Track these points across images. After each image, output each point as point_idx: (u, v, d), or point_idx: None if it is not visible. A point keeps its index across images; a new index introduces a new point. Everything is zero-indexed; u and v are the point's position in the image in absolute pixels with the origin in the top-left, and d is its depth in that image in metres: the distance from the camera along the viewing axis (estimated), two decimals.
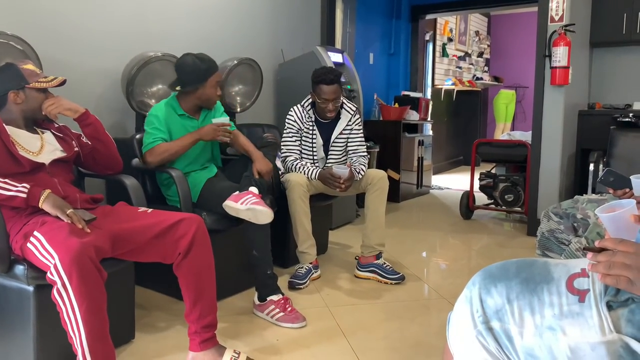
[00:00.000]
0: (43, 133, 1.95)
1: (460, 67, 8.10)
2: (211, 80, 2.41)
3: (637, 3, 4.08)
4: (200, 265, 1.87)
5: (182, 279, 1.87)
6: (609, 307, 0.86)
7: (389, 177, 4.89)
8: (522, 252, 3.42)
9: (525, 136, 4.26)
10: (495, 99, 8.28)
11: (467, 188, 4.47)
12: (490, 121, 8.96)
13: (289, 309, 2.25)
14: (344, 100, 2.98)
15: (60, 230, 1.61)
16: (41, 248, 1.59)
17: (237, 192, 2.23)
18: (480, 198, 4.52)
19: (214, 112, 2.60)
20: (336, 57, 3.87)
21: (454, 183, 6.44)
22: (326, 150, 2.94)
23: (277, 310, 2.25)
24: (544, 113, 3.72)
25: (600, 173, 1.82)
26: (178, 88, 2.45)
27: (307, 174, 2.78)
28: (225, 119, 2.45)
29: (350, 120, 2.95)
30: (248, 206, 2.14)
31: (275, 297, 2.28)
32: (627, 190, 1.75)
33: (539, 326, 0.90)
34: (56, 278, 1.50)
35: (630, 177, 1.69)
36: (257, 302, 2.33)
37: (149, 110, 2.47)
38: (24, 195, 1.67)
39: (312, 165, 2.87)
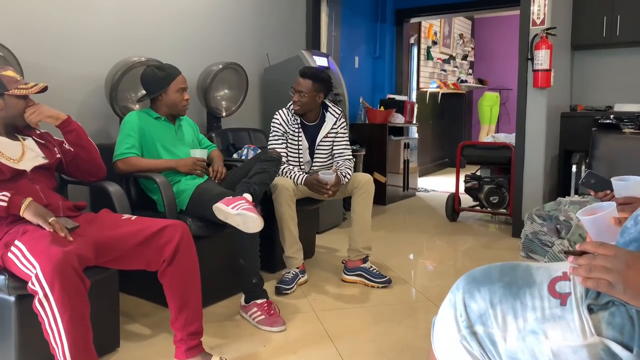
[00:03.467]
0: (24, 140, 1.92)
1: (444, 70, 8.16)
2: (172, 86, 2.48)
3: (617, 6, 4.16)
4: (185, 272, 1.85)
5: (167, 286, 1.85)
6: (590, 310, 0.87)
7: (376, 180, 4.92)
8: (507, 254, 3.45)
9: (509, 138, 4.31)
10: (480, 101, 8.36)
11: (453, 190, 4.50)
12: (475, 123, 9.04)
13: (272, 312, 2.26)
14: (329, 104, 2.99)
15: (41, 239, 1.59)
16: (22, 257, 1.56)
17: (231, 197, 2.22)
18: (466, 200, 4.56)
19: (184, 123, 2.66)
20: (321, 61, 3.88)
21: (439, 185, 6.49)
22: (312, 153, 2.95)
23: (259, 313, 2.26)
24: (527, 115, 3.76)
25: (582, 175, 1.84)
26: (146, 98, 2.55)
27: (294, 179, 2.78)
28: (203, 152, 2.55)
29: (335, 124, 2.96)
30: (239, 211, 2.11)
31: (259, 301, 2.30)
32: (608, 192, 1.77)
33: (521, 330, 0.91)
34: (37, 288, 1.48)
35: (611, 179, 1.71)
36: (242, 303, 2.36)
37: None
38: (5, 204, 1.64)
39: (299, 170, 2.87)
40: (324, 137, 2.94)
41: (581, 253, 0.88)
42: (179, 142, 2.57)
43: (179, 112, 2.57)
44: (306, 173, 2.87)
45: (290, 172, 2.81)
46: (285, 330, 2.23)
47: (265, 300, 2.31)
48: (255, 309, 2.28)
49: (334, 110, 2.98)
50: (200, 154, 2.54)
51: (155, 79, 2.47)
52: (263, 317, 2.25)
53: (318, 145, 2.94)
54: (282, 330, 2.22)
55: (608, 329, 0.84)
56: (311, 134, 2.94)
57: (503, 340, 0.93)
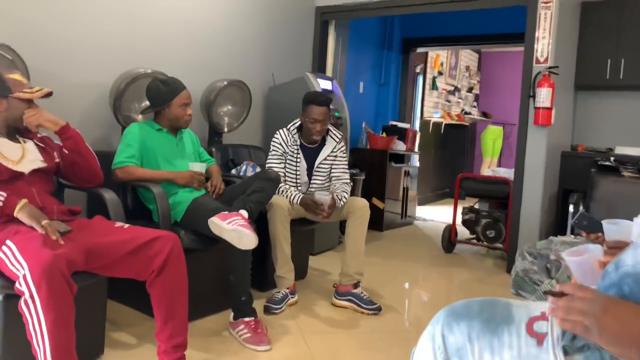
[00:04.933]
0: (25, 142, 1.95)
1: (449, 101, 8.23)
2: (176, 101, 2.52)
3: (622, 50, 4.21)
4: (173, 284, 1.86)
5: (155, 297, 1.85)
6: (565, 352, 0.87)
7: (374, 206, 4.94)
8: (500, 290, 3.43)
9: (509, 173, 4.32)
10: (483, 134, 8.40)
11: (450, 221, 4.50)
12: (477, 155, 9.07)
13: (259, 331, 2.25)
14: (331, 128, 3.02)
15: (33, 240, 1.60)
16: (12, 257, 1.58)
17: (227, 212, 2.23)
18: (463, 232, 4.55)
19: (185, 136, 2.69)
20: (326, 84, 3.93)
21: (438, 215, 6.48)
22: (309, 174, 2.97)
23: (246, 330, 2.26)
24: (527, 152, 3.78)
25: (575, 216, 1.85)
26: (149, 110, 2.59)
27: (290, 199, 2.79)
28: (202, 166, 2.57)
29: (335, 147, 2.98)
30: (234, 227, 2.13)
31: (246, 319, 2.29)
32: (600, 234, 1.78)
33: None
34: (24, 289, 1.49)
35: (602, 222, 1.72)
36: (231, 319, 2.36)
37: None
38: (0, 204, 1.66)
39: (296, 190, 2.89)
40: (323, 160, 2.96)
41: (561, 294, 0.89)
42: (179, 154, 2.59)
43: (181, 126, 2.60)
44: (303, 194, 2.88)
45: (287, 191, 2.82)
46: (270, 350, 2.21)
47: (253, 318, 2.31)
48: (243, 326, 2.28)
49: (334, 134, 3.01)
50: (199, 167, 2.56)
51: (159, 93, 2.51)
52: (249, 335, 2.24)
53: (317, 167, 2.96)
54: (267, 349, 2.21)
55: None
56: (310, 155, 2.96)
57: None
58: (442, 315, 1.03)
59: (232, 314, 2.36)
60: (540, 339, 0.90)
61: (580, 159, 4.20)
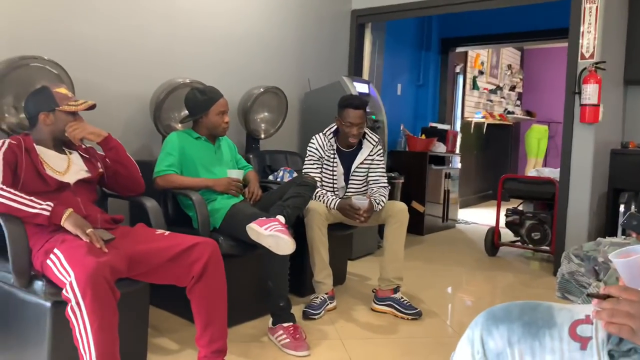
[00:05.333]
0: (70, 154, 2.03)
1: (491, 101, 8.04)
2: (214, 109, 2.56)
3: None
4: (213, 290, 1.88)
5: (194, 303, 1.89)
6: (611, 356, 0.83)
7: (414, 209, 4.87)
8: (547, 293, 3.31)
9: (554, 173, 4.17)
10: (527, 134, 8.16)
11: (493, 224, 4.38)
12: (522, 156, 8.81)
13: (297, 336, 2.25)
14: (367, 131, 3.00)
15: (78, 248, 1.66)
16: (59, 265, 1.64)
17: (265, 217, 2.25)
18: (507, 235, 4.42)
19: (223, 143, 2.74)
20: (362, 88, 3.91)
21: (481, 218, 6.33)
22: (346, 179, 2.95)
23: (285, 336, 2.26)
24: (573, 151, 3.64)
25: (624, 216, 1.76)
26: (188, 120, 2.65)
27: (327, 204, 2.79)
28: (239, 173, 2.61)
29: (372, 151, 2.96)
30: (272, 232, 2.14)
31: (285, 324, 2.30)
32: None
33: None
34: (71, 295, 1.54)
35: None
36: (269, 325, 2.37)
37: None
38: (47, 214, 1.73)
39: (332, 195, 2.88)
40: (360, 164, 2.95)
41: (605, 297, 0.85)
42: (217, 162, 2.64)
43: (218, 134, 2.65)
44: (340, 198, 2.88)
45: (324, 196, 2.82)
46: (309, 356, 2.21)
47: (291, 324, 2.31)
48: (281, 331, 2.29)
49: (371, 138, 2.99)
50: (236, 174, 2.59)
51: (197, 102, 2.57)
52: (288, 340, 2.25)
53: (353, 171, 2.95)
54: (306, 355, 2.20)
55: None
56: (347, 160, 2.95)
57: None
58: (481, 319, 1.00)
59: (270, 320, 2.37)
60: (584, 342, 0.86)
61: (632, 156, 4.01)
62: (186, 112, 2.69)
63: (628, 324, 0.78)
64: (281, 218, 2.26)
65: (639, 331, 0.77)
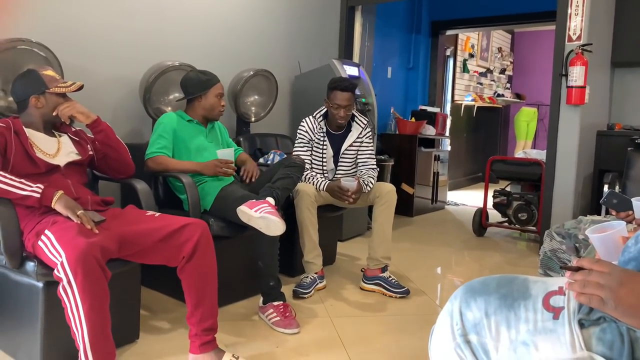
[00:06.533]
0: (60, 136, 2.04)
1: (481, 84, 8.07)
2: (212, 90, 2.57)
3: None
4: (203, 270, 1.91)
5: (185, 282, 1.92)
6: (581, 325, 0.87)
7: (404, 191, 4.92)
8: (533, 272, 3.37)
9: (541, 155, 4.23)
10: (517, 116, 8.21)
11: (482, 205, 4.45)
12: (511, 138, 8.88)
13: (287, 314, 2.30)
14: (356, 114, 3.02)
15: (69, 229, 1.68)
16: (50, 246, 1.66)
17: (254, 200, 2.28)
18: (495, 215, 4.49)
19: (218, 129, 2.73)
20: (352, 71, 3.92)
21: (470, 199, 6.40)
22: (336, 161, 2.98)
23: (275, 314, 2.31)
24: (559, 132, 3.69)
25: (604, 194, 1.81)
26: (184, 98, 2.63)
27: (316, 185, 2.82)
28: (230, 153, 2.58)
29: (360, 133, 2.99)
30: (261, 214, 2.17)
31: (275, 303, 2.35)
32: (630, 212, 1.74)
33: (513, 341, 0.92)
34: (62, 275, 1.56)
35: (632, 200, 1.68)
36: (260, 304, 2.42)
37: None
38: (38, 195, 1.74)
39: (322, 177, 2.91)
40: (349, 146, 2.97)
41: (578, 269, 0.89)
42: (209, 145, 2.64)
43: (214, 117, 2.64)
44: (329, 180, 2.91)
45: (313, 178, 2.85)
46: (299, 333, 2.26)
47: (281, 302, 2.36)
48: (272, 310, 2.33)
49: (360, 120, 3.01)
50: (226, 154, 2.57)
51: (199, 81, 2.56)
52: (278, 318, 2.29)
53: (343, 153, 2.98)
54: (296, 332, 2.25)
55: (598, 344, 0.84)
56: (336, 142, 2.98)
57: (495, 350, 0.94)
58: (460, 292, 1.04)
59: (261, 299, 2.42)
60: (556, 312, 0.90)
61: (617, 137, 4.06)
62: (176, 94, 2.69)
63: (598, 294, 0.83)
64: (271, 200, 2.28)
65: (608, 301, 0.81)
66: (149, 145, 2.50)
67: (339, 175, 2.98)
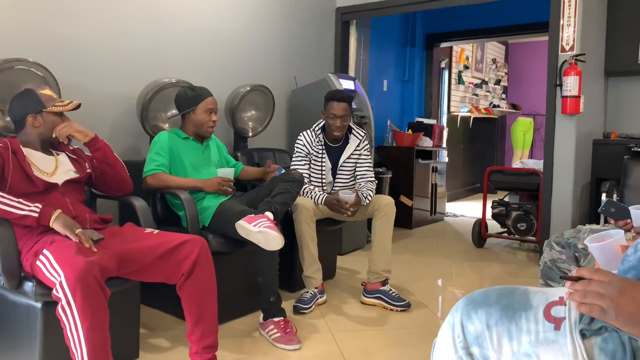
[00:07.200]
0: (58, 155, 2.04)
1: (476, 95, 8.12)
2: (201, 106, 2.58)
3: None
4: (203, 287, 1.91)
5: (185, 300, 1.91)
6: (583, 335, 0.87)
7: (402, 203, 4.92)
8: (533, 282, 3.36)
9: (538, 164, 4.24)
10: (513, 127, 8.25)
11: (481, 216, 4.44)
12: (508, 149, 8.91)
13: (288, 330, 2.29)
14: (353, 126, 3.04)
15: (67, 249, 1.67)
16: (49, 266, 1.65)
17: (253, 214, 2.28)
18: (494, 226, 4.49)
19: (212, 144, 2.74)
20: (348, 84, 3.94)
21: (469, 210, 6.40)
22: (334, 173, 2.99)
23: (276, 330, 2.29)
24: (556, 142, 3.70)
25: (602, 203, 1.82)
26: (175, 115, 2.67)
27: (314, 199, 2.82)
28: (230, 172, 2.61)
29: (358, 145, 3.00)
30: (260, 229, 2.17)
31: (276, 319, 2.33)
32: (629, 221, 1.74)
33: (515, 352, 0.92)
34: (61, 295, 1.56)
35: (630, 208, 1.68)
36: (260, 320, 2.40)
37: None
38: (36, 215, 1.74)
39: (320, 190, 2.91)
40: (347, 158, 2.98)
41: (578, 278, 0.89)
42: (205, 162, 2.64)
43: (203, 133, 2.64)
44: (327, 193, 2.91)
45: (311, 192, 2.85)
46: (300, 349, 2.24)
47: (282, 318, 2.34)
48: (272, 326, 2.32)
49: (357, 132, 3.03)
50: (227, 173, 2.60)
51: (186, 97, 2.58)
52: (279, 334, 2.28)
53: (341, 166, 2.98)
54: (297, 348, 2.24)
55: (600, 354, 0.84)
56: (334, 155, 2.99)
57: None
58: (461, 304, 1.04)
59: (261, 315, 2.40)
60: (557, 323, 0.90)
61: (613, 146, 4.08)
62: (174, 111, 2.70)
63: (598, 304, 0.82)
64: (269, 214, 2.28)
65: (609, 310, 0.81)
66: (147, 163, 2.50)
67: (337, 188, 2.98)
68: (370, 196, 2.88)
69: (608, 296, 0.82)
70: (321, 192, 2.87)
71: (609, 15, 4.22)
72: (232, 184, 2.58)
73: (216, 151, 2.76)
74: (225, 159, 2.82)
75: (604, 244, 1.14)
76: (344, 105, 2.88)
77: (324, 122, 2.98)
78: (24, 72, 2.26)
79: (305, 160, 2.95)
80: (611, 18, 4.21)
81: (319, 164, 2.96)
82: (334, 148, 3.00)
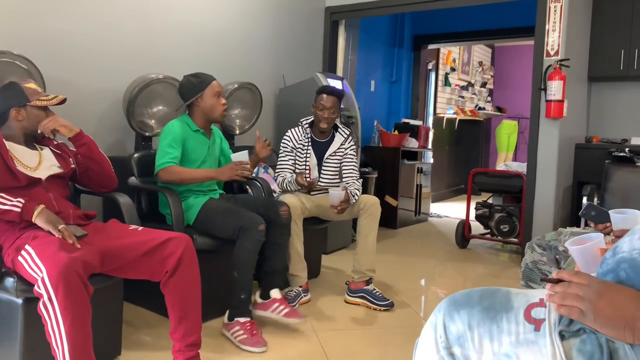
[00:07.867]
0: (42, 149, 2.01)
1: (462, 97, 8.19)
2: (208, 90, 2.50)
3: (635, 40, 4.16)
4: (187, 284, 1.90)
5: (169, 297, 1.90)
6: (562, 336, 0.89)
7: (387, 203, 4.95)
8: (515, 283, 3.41)
9: (521, 167, 4.30)
10: (498, 129, 8.34)
11: (464, 217, 4.49)
12: (493, 151, 9.01)
13: (254, 332, 2.22)
14: (339, 125, 3.07)
15: (50, 244, 1.65)
16: (31, 261, 1.63)
17: (261, 301, 2.38)
18: (477, 227, 4.54)
19: (217, 139, 2.69)
20: (336, 84, 3.95)
21: (453, 211, 6.46)
22: (319, 169, 3.01)
23: (242, 332, 2.22)
24: (539, 145, 3.76)
25: (583, 207, 1.85)
26: (182, 106, 2.58)
27: (287, 186, 2.87)
28: (244, 154, 2.56)
29: (343, 143, 3.03)
30: (279, 317, 2.36)
31: (242, 319, 2.26)
32: (608, 224, 1.78)
33: (496, 353, 0.93)
34: (43, 291, 1.54)
35: (610, 212, 1.72)
36: (225, 320, 2.33)
37: (164, 127, 2.50)
38: (18, 210, 1.71)
39: (290, 175, 2.94)
40: (332, 154, 3.01)
41: (558, 281, 0.91)
42: (209, 157, 2.59)
43: (217, 118, 2.54)
44: (313, 189, 2.94)
45: (284, 181, 2.89)
46: (266, 352, 2.19)
47: (248, 319, 2.26)
48: (238, 327, 2.24)
49: (343, 131, 3.06)
50: (240, 156, 2.54)
51: (191, 85, 2.50)
52: (245, 336, 2.20)
53: (326, 159, 3.00)
54: (263, 351, 2.18)
55: (578, 355, 0.86)
56: (320, 149, 3.02)
57: None
58: (443, 304, 1.05)
59: (226, 314, 2.32)
60: (537, 324, 0.92)
61: (595, 150, 4.16)
62: (160, 107, 2.68)
63: (577, 306, 0.84)
64: (276, 293, 2.37)
65: (588, 312, 0.83)
66: (160, 156, 2.39)
67: (322, 184, 2.99)
68: (358, 195, 2.89)
69: (587, 299, 0.84)
70: (291, 174, 2.93)
71: (594, 22, 4.30)
72: (248, 165, 2.48)
73: (219, 147, 2.71)
74: (227, 152, 2.78)
75: (584, 247, 1.16)
76: (333, 99, 2.92)
77: (312, 118, 3.00)
78: (8, 65, 2.22)
79: (290, 155, 2.98)
80: (595, 25, 4.29)
81: (304, 158, 2.98)
82: (320, 144, 3.02)
